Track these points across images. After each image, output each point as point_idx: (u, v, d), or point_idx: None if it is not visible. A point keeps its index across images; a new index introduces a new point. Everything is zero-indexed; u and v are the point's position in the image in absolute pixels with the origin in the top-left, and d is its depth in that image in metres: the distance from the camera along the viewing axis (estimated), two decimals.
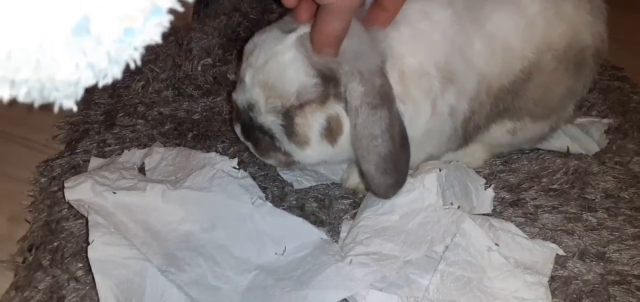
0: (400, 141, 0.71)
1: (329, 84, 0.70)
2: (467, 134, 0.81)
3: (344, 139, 0.73)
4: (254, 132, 0.76)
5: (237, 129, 0.79)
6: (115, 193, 0.75)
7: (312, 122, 0.72)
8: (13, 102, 0.98)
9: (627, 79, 1.24)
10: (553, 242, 0.79)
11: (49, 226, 0.78)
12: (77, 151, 0.92)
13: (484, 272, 0.71)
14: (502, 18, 0.77)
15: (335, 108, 0.72)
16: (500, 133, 0.86)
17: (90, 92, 1.04)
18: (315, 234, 0.75)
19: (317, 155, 0.75)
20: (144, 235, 0.72)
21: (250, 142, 0.78)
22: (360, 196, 0.86)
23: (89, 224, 0.69)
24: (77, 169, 0.88)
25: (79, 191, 0.75)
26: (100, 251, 0.66)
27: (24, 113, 1.03)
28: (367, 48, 0.70)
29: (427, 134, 0.77)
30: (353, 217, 0.82)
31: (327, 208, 0.85)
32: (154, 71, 1.12)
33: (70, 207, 0.80)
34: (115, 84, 1.07)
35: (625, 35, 1.47)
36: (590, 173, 0.94)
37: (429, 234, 0.73)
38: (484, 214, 0.82)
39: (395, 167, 0.71)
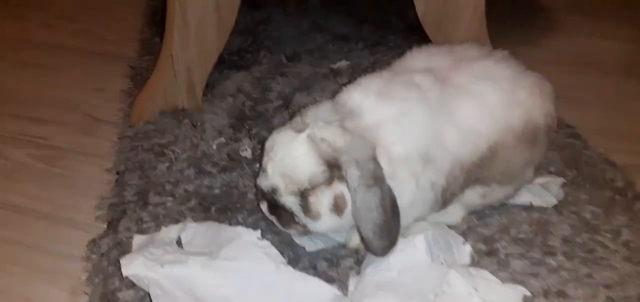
0: (391, 211, 0.89)
1: (333, 169, 0.89)
2: (445, 200, 0.99)
3: (348, 211, 0.91)
4: (277, 209, 0.94)
5: (264, 207, 0.96)
6: (162, 267, 0.91)
7: (323, 200, 0.90)
8: (53, 187, 1.20)
9: (579, 135, 1.43)
10: (522, 285, 0.95)
11: (105, 297, 0.92)
12: (119, 229, 1.07)
13: None
14: (468, 109, 0.97)
15: (340, 188, 0.90)
16: (473, 196, 1.05)
17: (122, 175, 1.21)
18: (330, 291, 0.91)
19: (327, 225, 0.93)
20: (190, 299, 0.88)
21: (275, 217, 0.96)
22: (361, 254, 1.02)
23: (151, 295, 0.85)
24: (122, 245, 1.03)
25: (133, 267, 0.91)
26: None
27: (67, 197, 1.19)
28: (360, 140, 0.89)
29: (412, 203, 0.95)
30: (358, 273, 0.98)
31: (335, 266, 1.01)
32: (175, 152, 1.29)
33: (121, 279, 0.94)
34: (143, 166, 1.24)
35: (573, 94, 1.70)
36: (551, 223, 1.10)
37: (423, 286, 0.90)
38: (464, 265, 0.99)
39: (389, 233, 0.90)
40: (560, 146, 1.37)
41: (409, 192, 0.92)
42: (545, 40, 2.11)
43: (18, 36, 2.01)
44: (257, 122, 1.41)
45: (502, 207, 1.14)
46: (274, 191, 0.92)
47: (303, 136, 0.89)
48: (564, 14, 2.37)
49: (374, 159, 0.88)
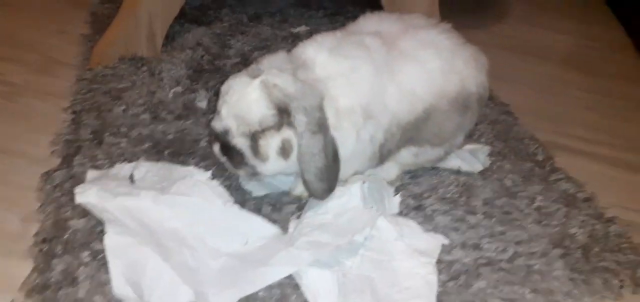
0: (332, 157, 0.98)
1: (283, 114, 0.96)
2: (382, 155, 1.09)
3: (294, 156, 1.00)
4: (229, 150, 1.00)
5: (216, 148, 1.02)
6: (115, 198, 0.97)
7: (271, 143, 0.98)
8: (9, 121, 1.26)
9: (511, 113, 1.57)
10: (444, 236, 1.08)
11: (57, 224, 0.98)
12: (74, 164, 1.12)
13: (392, 255, 0.99)
14: (409, 70, 1.06)
15: (288, 133, 0.98)
16: (407, 155, 1.16)
17: (79, 114, 1.25)
18: (271, 229, 1.00)
19: (274, 167, 1.01)
20: (140, 230, 0.94)
21: (226, 158, 1.02)
22: (303, 201, 1.11)
23: (105, 220, 0.92)
24: (75, 179, 1.08)
25: (86, 196, 0.97)
26: (113, 240, 0.89)
27: (23, 132, 1.23)
28: (310, 89, 0.97)
29: (353, 154, 1.04)
30: (298, 217, 1.07)
31: (278, 211, 1.09)
32: (132, 97, 1.34)
33: (74, 208, 1.00)
34: (100, 108, 1.29)
35: (512, 76, 1.84)
36: (475, 186, 1.22)
37: (354, 228, 1.00)
38: (393, 214, 1.10)
39: (328, 177, 0.99)
40: (492, 121, 1.50)
41: (351, 142, 1.02)
42: (493, 26, 2.24)
43: None
44: (214, 75, 1.47)
45: (433, 169, 1.25)
46: (226, 132, 0.98)
47: (257, 82, 0.96)
48: (514, 4, 2.50)
49: (321, 108, 0.97)
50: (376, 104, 1.03)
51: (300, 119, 0.95)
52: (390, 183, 1.18)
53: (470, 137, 1.32)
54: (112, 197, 0.97)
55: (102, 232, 0.96)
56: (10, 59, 1.49)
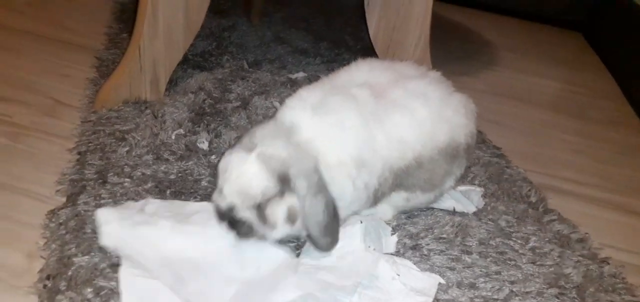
0: (333, 214, 1.01)
1: (284, 182, 0.99)
2: (376, 198, 1.13)
3: (300, 220, 1.03)
4: (236, 224, 1.02)
5: (224, 226, 1.04)
6: (135, 227, 1.02)
7: (278, 212, 1.01)
8: (15, 162, 1.30)
9: (503, 156, 1.61)
10: (440, 276, 1.10)
11: (61, 261, 1.00)
12: (78, 202, 1.14)
13: (389, 295, 1.00)
14: (398, 120, 1.10)
15: (292, 200, 1.01)
16: (399, 199, 1.19)
17: (84, 154, 1.29)
18: (282, 254, 1.05)
19: (283, 233, 1.04)
20: (157, 259, 0.98)
21: (235, 231, 1.03)
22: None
23: (120, 251, 0.97)
24: (80, 217, 1.10)
25: (106, 214, 1.04)
26: (128, 272, 0.93)
27: (28, 171, 1.25)
28: (303, 153, 1.01)
29: (351, 202, 1.09)
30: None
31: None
32: (136, 139, 1.37)
33: (77, 246, 1.02)
34: (104, 149, 1.32)
35: (503, 120, 1.90)
36: (470, 226, 1.24)
37: (357, 271, 1.03)
38: (390, 253, 1.13)
39: (332, 232, 1.02)
40: (485, 163, 1.55)
41: (348, 193, 1.06)
42: (484, 73, 2.32)
43: None
44: (216, 118, 1.52)
45: (428, 209, 1.29)
46: (231, 208, 1.01)
47: (253, 156, 0.99)
48: (503, 51, 2.60)
49: (317, 170, 1.00)
50: (367, 152, 1.07)
51: (300, 184, 0.98)
52: (387, 223, 1.21)
53: (463, 180, 1.35)
54: (132, 226, 1.02)
55: (105, 269, 0.98)
56: (17, 101, 1.53)
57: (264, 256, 1.03)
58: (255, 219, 1.00)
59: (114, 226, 1.02)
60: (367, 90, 1.12)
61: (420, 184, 1.17)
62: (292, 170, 0.98)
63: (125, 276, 0.93)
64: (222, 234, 1.04)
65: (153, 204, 1.12)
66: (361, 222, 1.11)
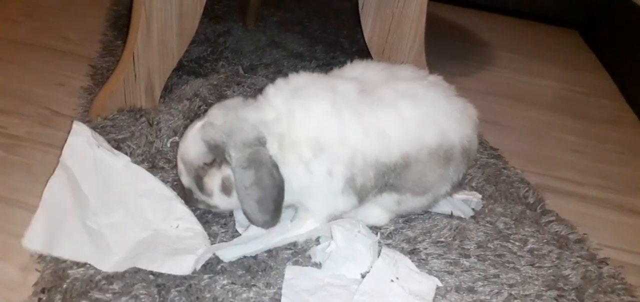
0: (270, 191, 1.02)
1: (217, 152, 1.04)
2: (361, 193, 1.11)
3: (235, 192, 1.05)
4: (183, 189, 1.11)
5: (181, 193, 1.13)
6: (98, 147, 1.16)
7: (214, 180, 1.07)
8: (10, 173, 1.30)
9: (501, 157, 1.60)
10: (438, 280, 1.09)
11: (56, 274, 0.99)
12: None
13: (386, 298, 1.00)
14: (382, 115, 1.08)
15: (227, 171, 1.05)
16: (390, 202, 1.17)
17: None
18: (200, 228, 1.11)
19: (221, 203, 1.10)
20: (96, 180, 1.13)
21: (182, 196, 1.13)
22: (299, 247, 1.13)
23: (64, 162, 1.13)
24: None
25: (79, 132, 1.18)
26: (55, 179, 1.11)
27: (23, 182, 1.25)
28: (243, 125, 1.04)
29: (313, 189, 1.08)
30: (294, 263, 1.09)
31: (274, 257, 1.09)
32: (131, 147, 1.36)
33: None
34: None
35: (500, 121, 1.90)
36: (468, 229, 1.23)
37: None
38: (391, 253, 1.10)
39: (267, 209, 1.03)
40: (483, 165, 1.54)
41: (300, 174, 1.06)
42: (480, 73, 2.31)
43: None
44: None
45: (426, 214, 1.28)
46: (179, 173, 1.10)
47: (199, 124, 1.06)
48: (500, 51, 2.60)
49: (252, 144, 1.02)
50: (329, 138, 1.06)
51: (230, 154, 1.02)
52: (383, 228, 1.20)
53: (461, 185, 1.34)
54: (95, 147, 1.15)
55: (100, 281, 0.97)
56: (11, 111, 1.52)
57: (186, 219, 1.10)
58: (195, 186, 1.09)
59: (81, 139, 1.15)
60: (353, 84, 1.12)
61: (410, 186, 1.14)
62: (227, 140, 1.02)
63: (50, 185, 1.09)
64: (161, 188, 1.15)
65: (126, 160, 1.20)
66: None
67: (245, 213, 1.05)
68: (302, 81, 1.12)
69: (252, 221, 1.05)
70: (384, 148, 1.09)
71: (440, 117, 1.13)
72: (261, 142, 1.03)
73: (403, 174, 1.12)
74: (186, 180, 1.10)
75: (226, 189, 1.07)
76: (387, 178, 1.12)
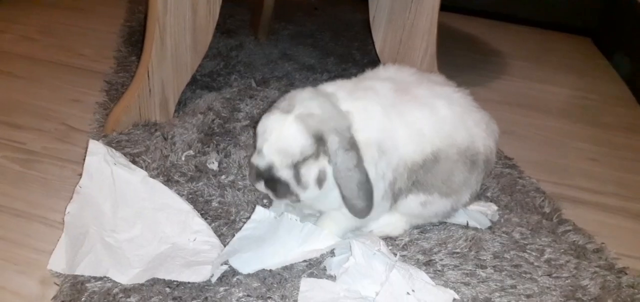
0: (366, 176, 1.03)
1: (319, 142, 1.03)
2: (394, 195, 1.13)
3: (326, 185, 1.06)
4: (274, 183, 1.06)
5: (260, 185, 1.08)
6: (115, 164, 1.16)
7: (310, 172, 1.05)
8: (28, 188, 1.33)
9: (516, 166, 1.59)
10: (454, 291, 1.09)
11: (75, 287, 1.00)
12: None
13: None
14: (418, 114, 1.12)
15: (324, 162, 1.05)
16: (415, 205, 1.17)
17: None
18: (216, 240, 1.12)
19: (312, 195, 1.08)
20: (115, 196, 1.14)
21: (271, 191, 1.08)
22: (313, 260, 1.13)
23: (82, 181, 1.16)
24: None
25: (96, 151, 1.18)
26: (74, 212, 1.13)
27: (41, 197, 1.27)
28: (339, 113, 1.06)
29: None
30: (309, 276, 1.09)
31: (289, 269, 1.10)
32: (146, 161, 1.38)
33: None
34: None
35: (515, 130, 1.89)
36: (484, 240, 1.23)
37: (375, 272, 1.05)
38: (406, 265, 1.10)
39: (365, 195, 1.04)
40: (498, 174, 1.53)
41: (371, 175, 1.07)
42: (494, 82, 2.30)
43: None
44: (225, 138, 1.52)
45: (441, 224, 1.27)
46: (270, 167, 1.05)
47: (292, 116, 1.04)
48: (512, 60, 2.58)
49: (349, 130, 1.04)
50: (387, 141, 1.09)
51: (332, 139, 1.02)
52: (399, 238, 1.20)
53: (478, 196, 1.33)
54: (112, 164, 1.15)
55: (118, 295, 0.98)
56: (29, 127, 1.55)
57: (202, 232, 1.11)
58: (292, 178, 1.04)
59: (98, 158, 1.15)
60: (389, 84, 1.15)
61: (438, 185, 1.15)
62: (326, 126, 1.02)
63: (71, 208, 1.12)
64: (178, 201, 1.17)
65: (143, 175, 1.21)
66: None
67: (344, 198, 1.05)
68: (348, 84, 1.15)
69: (350, 207, 1.06)
70: (419, 147, 1.12)
71: (469, 122, 1.17)
72: (350, 129, 1.05)
73: (432, 170, 1.13)
74: (284, 173, 1.04)
75: (320, 181, 1.06)
76: (417, 176, 1.14)
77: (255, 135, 1.08)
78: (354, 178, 1.02)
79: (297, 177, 1.05)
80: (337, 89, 1.13)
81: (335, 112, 1.05)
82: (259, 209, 1.09)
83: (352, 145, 1.02)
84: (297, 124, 1.02)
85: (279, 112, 1.06)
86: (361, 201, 1.04)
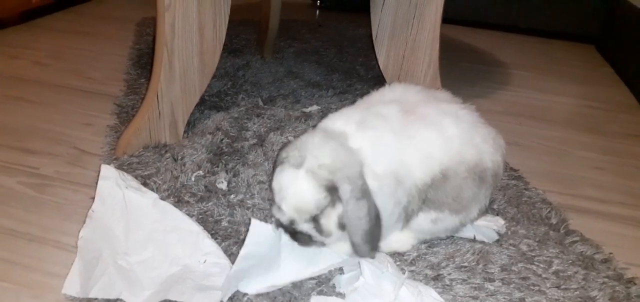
0: (375, 221, 1.05)
1: (333, 192, 1.04)
2: (407, 216, 1.16)
3: None
4: (297, 235, 1.10)
5: (285, 237, 1.12)
6: (127, 187, 1.16)
7: (331, 221, 1.07)
8: (41, 212, 1.36)
9: (521, 178, 1.60)
10: None
11: None
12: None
13: None
14: (426, 134, 1.14)
15: (340, 207, 1.06)
16: (425, 222, 1.19)
17: None
18: (226, 262, 1.13)
19: (337, 239, 1.10)
20: (127, 220, 1.15)
21: (296, 241, 1.11)
22: (323, 276, 1.15)
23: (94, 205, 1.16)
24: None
25: (108, 176, 1.19)
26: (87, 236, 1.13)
27: (54, 221, 1.29)
28: (350, 158, 1.06)
29: (390, 217, 1.12)
30: (319, 293, 1.10)
31: (298, 288, 1.11)
32: (157, 183, 1.41)
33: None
34: None
35: (520, 141, 1.89)
36: (491, 253, 1.23)
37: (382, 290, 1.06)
38: (415, 282, 1.11)
39: (372, 238, 1.06)
40: (504, 186, 1.54)
41: (390, 206, 1.09)
42: (498, 93, 2.32)
43: (11, 73, 2.13)
44: (233, 157, 1.55)
45: (449, 239, 1.28)
46: (292, 222, 1.08)
47: (303, 171, 1.04)
48: (516, 70, 2.60)
49: (362, 176, 1.05)
50: (401, 170, 1.11)
51: (344, 188, 1.03)
52: (406, 254, 1.21)
53: (485, 212, 1.34)
54: (123, 188, 1.16)
55: None
56: (41, 152, 1.58)
57: (212, 253, 1.13)
58: (313, 230, 1.07)
59: (110, 182, 1.18)
60: (396, 106, 1.17)
61: (449, 202, 1.17)
62: (338, 174, 1.03)
63: (84, 233, 1.13)
64: (189, 222, 1.18)
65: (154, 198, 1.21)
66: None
67: (353, 244, 1.07)
68: (356, 114, 1.16)
69: (357, 251, 1.07)
70: (429, 168, 1.13)
71: (477, 139, 1.18)
72: (362, 174, 1.06)
73: (442, 188, 1.15)
74: (306, 227, 1.07)
75: (342, 226, 1.07)
76: (427, 194, 1.15)
77: (271, 191, 1.11)
78: (363, 226, 1.03)
79: (319, 228, 1.07)
80: (345, 123, 1.13)
81: (346, 157, 1.06)
82: (255, 222, 1.10)
83: (364, 193, 1.03)
84: (309, 180, 1.03)
85: (290, 167, 1.06)
86: (368, 246, 1.06)
